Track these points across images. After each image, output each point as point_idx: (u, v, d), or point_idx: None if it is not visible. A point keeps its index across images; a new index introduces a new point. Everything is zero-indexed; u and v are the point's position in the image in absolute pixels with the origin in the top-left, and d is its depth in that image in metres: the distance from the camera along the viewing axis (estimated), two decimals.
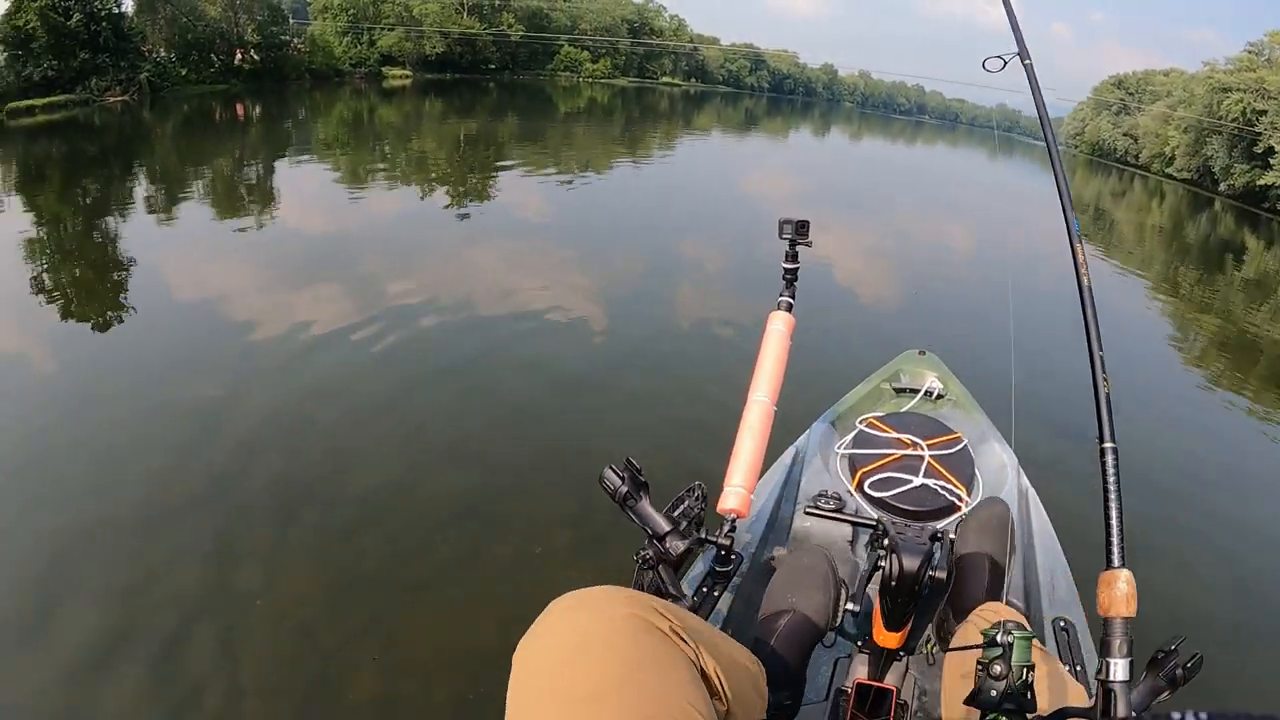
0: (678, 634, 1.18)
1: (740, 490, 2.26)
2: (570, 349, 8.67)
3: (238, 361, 7.90)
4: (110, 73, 42.88)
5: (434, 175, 21.55)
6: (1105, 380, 1.70)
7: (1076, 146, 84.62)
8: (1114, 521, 1.51)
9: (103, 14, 43.07)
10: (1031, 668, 1.45)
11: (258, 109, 41.95)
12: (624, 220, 16.37)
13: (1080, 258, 1.97)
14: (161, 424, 6.54)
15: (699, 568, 2.38)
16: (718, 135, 42.11)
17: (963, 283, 14.08)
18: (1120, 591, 1.38)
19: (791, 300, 2.77)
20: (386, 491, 5.64)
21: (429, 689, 3.93)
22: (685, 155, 30.62)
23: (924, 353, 4.31)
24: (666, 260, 12.75)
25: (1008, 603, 2.32)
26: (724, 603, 2.27)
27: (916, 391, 3.95)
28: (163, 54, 49.82)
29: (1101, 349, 1.76)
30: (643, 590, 1.79)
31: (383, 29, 68.07)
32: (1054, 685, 1.69)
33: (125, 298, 10.71)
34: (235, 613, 4.38)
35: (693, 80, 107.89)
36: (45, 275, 12.07)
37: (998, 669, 1.43)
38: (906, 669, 2.32)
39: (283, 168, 22.89)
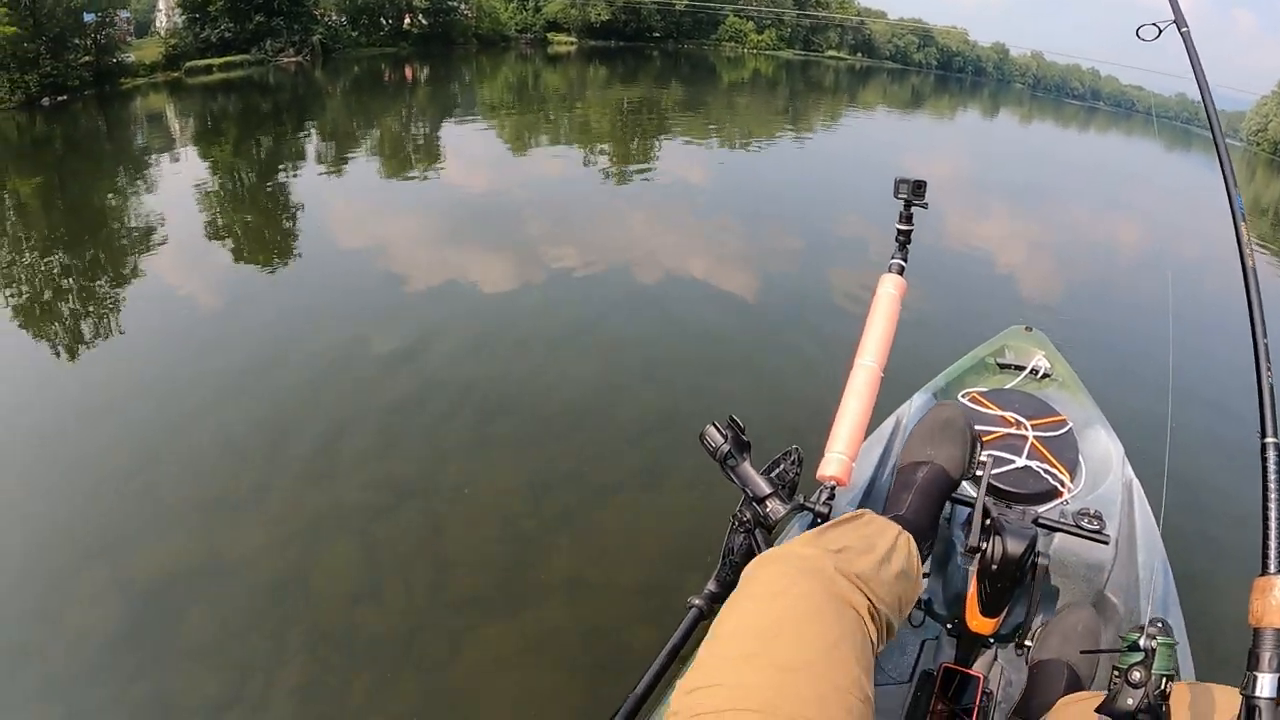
0: (856, 596, 1.29)
1: (842, 457, 2.17)
2: (710, 306, 8.97)
3: (429, 302, 8.77)
4: (284, 35, 44.99)
5: (596, 140, 21.47)
6: (1269, 370, 1.64)
7: (1258, 144, 78.36)
8: (1274, 523, 1.43)
9: None
10: (1172, 677, 1.40)
11: (425, 71, 43.18)
12: (781, 193, 16.00)
13: (1244, 237, 1.91)
14: (362, 351, 7.41)
15: (793, 534, 2.31)
16: (882, 113, 40.69)
17: (1089, 270, 13.17)
18: (1276, 600, 1.28)
19: (903, 263, 2.72)
20: (578, 406, 6.36)
21: (613, 577, 4.47)
22: (848, 132, 29.70)
23: (1030, 329, 4.23)
24: (817, 234, 12.47)
25: (1105, 598, 2.38)
26: None
27: (1021, 369, 3.84)
28: (334, 17, 51.77)
29: (1266, 336, 1.73)
30: (733, 554, 2.08)
31: None
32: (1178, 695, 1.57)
33: (326, 247, 11.43)
34: (443, 500, 5.12)
35: (859, 55, 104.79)
36: (221, 221, 12.53)
37: (1136, 676, 1.37)
38: (995, 658, 2.29)
39: (448, 128, 23.35)
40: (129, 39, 42.96)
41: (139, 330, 8.22)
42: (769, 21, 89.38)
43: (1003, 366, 3.87)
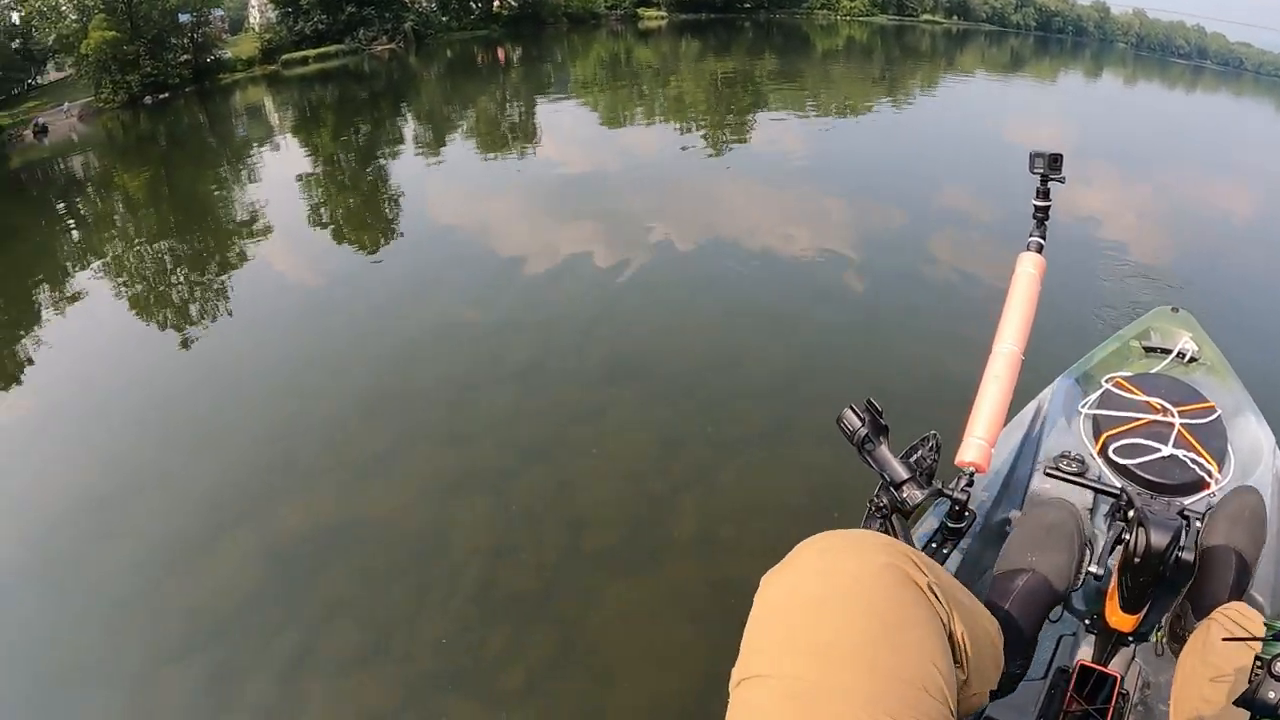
0: (933, 591, 1.13)
1: (981, 443, 2.17)
2: (821, 275, 8.89)
3: (544, 274, 8.99)
4: (376, 23, 45.95)
5: (691, 114, 21.05)
6: None
7: None
8: None
9: None
10: None
11: (518, 52, 43.41)
12: (881, 163, 15.40)
13: None
14: (483, 321, 7.80)
15: (929, 522, 2.33)
16: (981, 77, 39.41)
17: (1234, 245, 12.42)
18: None
19: (1042, 241, 2.67)
20: (699, 369, 6.53)
21: (741, 534, 4.53)
22: (947, 98, 28.73)
23: (1177, 310, 4.02)
24: (921, 204, 11.92)
25: (1249, 599, 2.13)
26: (952, 562, 2.23)
27: (1168, 352, 3.65)
28: (425, 4, 52.46)
29: None
30: None
31: None
32: None
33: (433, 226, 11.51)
34: (573, 460, 5.33)
35: (954, 18, 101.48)
36: (322, 208, 12.83)
37: None
38: (1133, 656, 2.17)
39: (543, 107, 23.23)
40: (224, 36, 44.46)
41: (265, 309, 8.79)
42: None
43: (1148, 350, 3.73)
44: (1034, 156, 2.62)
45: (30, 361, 8.22)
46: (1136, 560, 1.79)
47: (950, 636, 1.14)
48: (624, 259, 9.19)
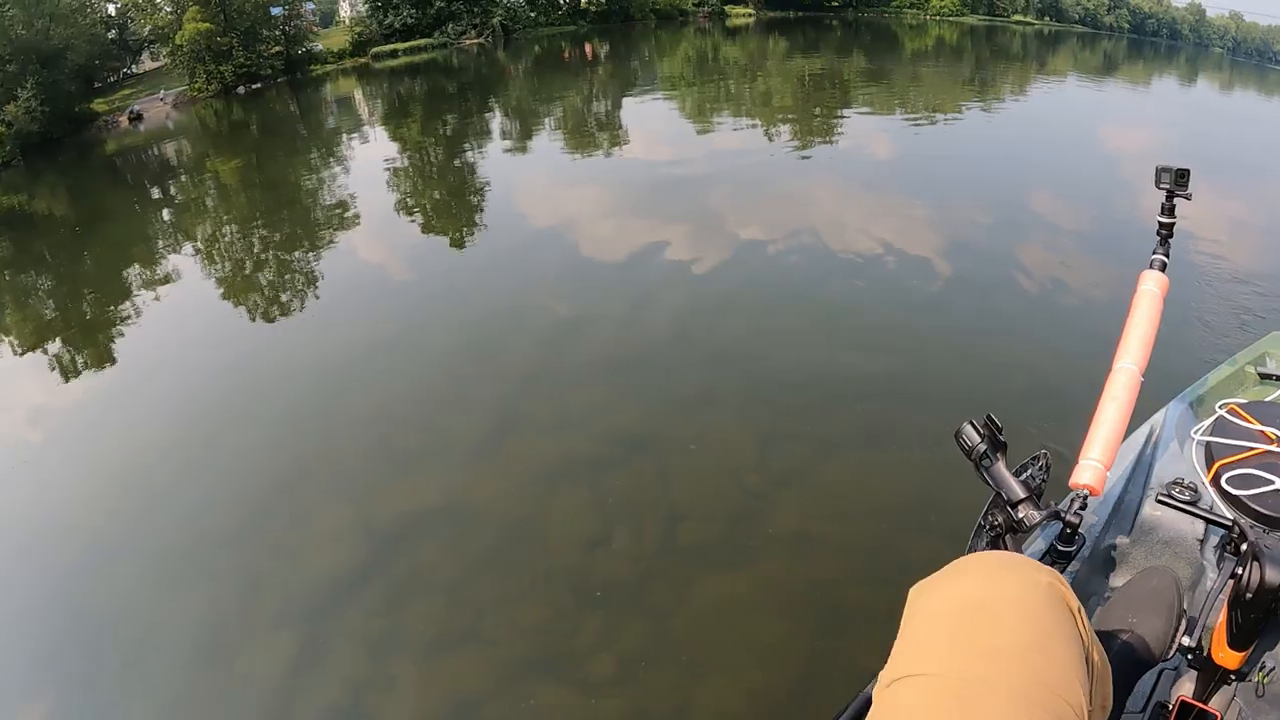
0: (1080, 615, 1.14)
1: (1097, 465, 2.06)
2: (914, 280, 8.74)
3: (637, 269, 9.04)
4: (465, 18, 46.83)
5: (778, 113, 20.82)
6: None
7: None
8: None
9: None
10: None
11: (605, 48, 43.90)
12: (973, 168, 14.88)
13: None
14: (580, 314, 7.92)
15: (1037, 544, 2.29)
16: (1073, 80, 38.60)
17: None
18: None
19: (1166, 259, 2.59)
20: (796, 369, 6.47)
21: (837, 533, 4.55)
22: (1039, 101, 28.02)
23: None
24: (1016, 211, 11.53)
25: None
26: None
27: None
28: None
29: None
30: None
31: None
32: None
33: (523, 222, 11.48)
34: (671, 454, 5.32)
35: (1046, 19, 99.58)
36: (410, 198, 12.95)
37: None
38: (1234, 695, 2.10)
39: (630, 104, 23.23)
40: (315, 29, 45.64)
41: (362, 295, 8.90)
42: None
43: (1263, 376, 3.60)
44: (1160, 171, 2.56)
45: (129, 341, 8.52)
46: (1248, 596, 1.71)
47: (1087, 660, 1.14)
48: (720, 258, 9.18)
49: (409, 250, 10.29)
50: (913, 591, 1.20)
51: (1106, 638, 1.92)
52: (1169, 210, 2.60)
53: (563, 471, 5.20)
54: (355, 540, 4.71)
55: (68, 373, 8.10)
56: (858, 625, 3.87)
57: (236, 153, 19.72)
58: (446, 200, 12.69)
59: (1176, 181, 2.53)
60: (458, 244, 10.45)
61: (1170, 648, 2.00)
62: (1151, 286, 2.46)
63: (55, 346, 8.83)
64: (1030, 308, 8.08)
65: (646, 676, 3.74)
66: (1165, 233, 2.62)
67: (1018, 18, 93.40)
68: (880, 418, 5.73)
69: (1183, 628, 2.02)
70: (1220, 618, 1.88)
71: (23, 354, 8.90)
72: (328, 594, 4.32)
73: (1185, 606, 2.10)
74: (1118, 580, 2.49)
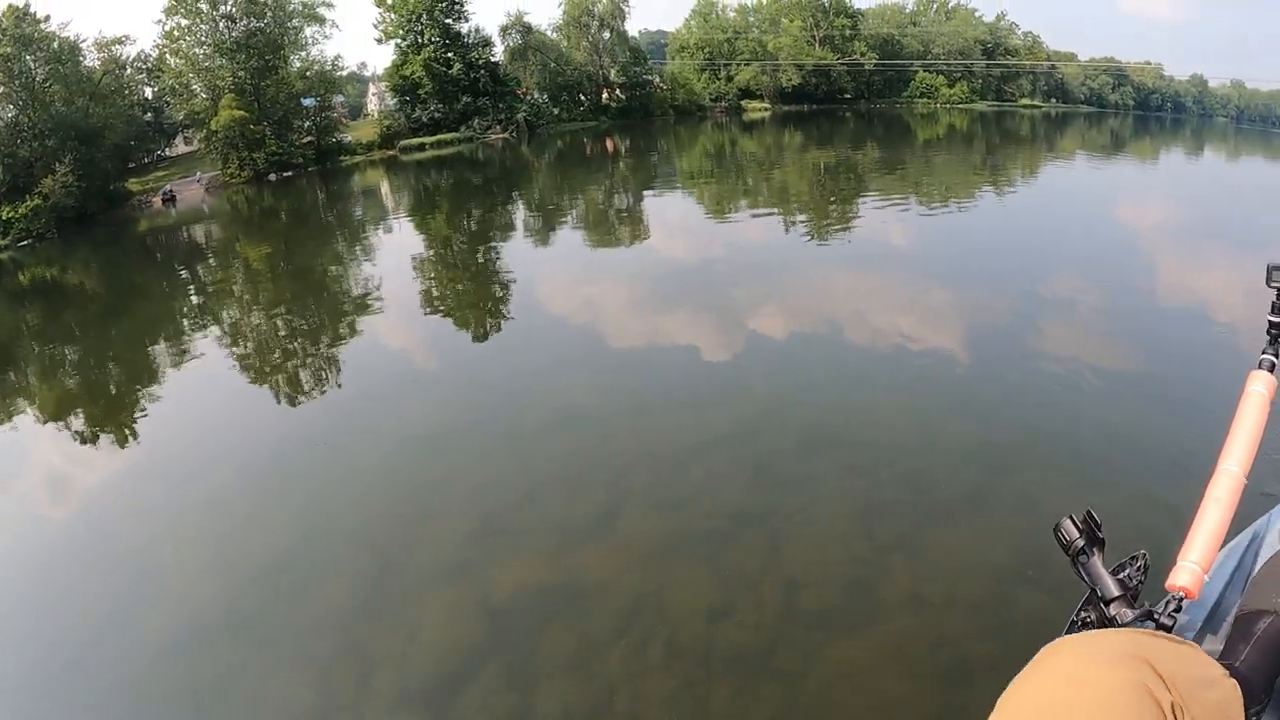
0: (1175, 713, 1.07)
1: (1195, 568, 1.92)
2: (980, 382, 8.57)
3: (710, 357, 9.07)
4: (490, 113, 48.15)
5: (795, 204, 21.13)
6: None
7: None
8: None
9: (480, 63, 48.80)
10: None
11: (626, 143, 44.82)
12: (990, 258, 14.80)
13: None
14: (672, 398, 7.94)
15: None
16: (1082, 160, 39.15)
17: None
18: None
19: (1276, 360, 2.41)
20: (895, 437, 6.66)
21: (950, 593, 4.61)
22: (1050, 183, 28.46)
23: None
24: (1040, 304, 11.43)
25: None
26: None
27: None
28: (537, 95, 54.77)
29: None
30: None
31: (738, 64, 70.73)
32: None
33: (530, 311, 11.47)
34: (781, 526, 5.40)
35: (1053, 100, 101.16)
36: (432, 288, 12.87)
37: None
38: None
39: (650, 197, 23.65)
40: (345, 121, 46.69)
41: (440, 383, 9.04)
42: (959, 74, 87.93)
43: None
44: (1272, 270, 2.38)
45: (154, 423, 8.45)
46: None
47: None
48: (792, 344, 9.42)
49: (469, 343, 10.37)
50: (1011, 685, 1.16)
51: (1250, 621, 1.84)
52: (1279, 309, 2.45)
53: (678, 546, 5.29)
54: (474, 619, 4.70)
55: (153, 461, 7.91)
56: (979, 679, 3.94)
57: (266, 238, 20.00)
58: (487, 294, 12.76)
59: None
60: (506, 342, 10.44)
61: None
62: (1260, 388, 2.32)
63: (101, 425, 8.86)
64: (1090, 388, 8.14)
65: None
66: (1277, 332, 2.45)
67: (1025, 101, 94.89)
68: (982, 483, 5.96)
69: None
70: None
71: (46, 423, 9.00)
72: (450, 673, 4.28)
73: None
74: None
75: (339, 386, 8.98)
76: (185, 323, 12.58)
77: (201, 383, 9.46)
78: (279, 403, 8.76)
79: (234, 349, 10.68)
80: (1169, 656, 1.26)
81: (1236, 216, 20.85)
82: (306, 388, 9.06)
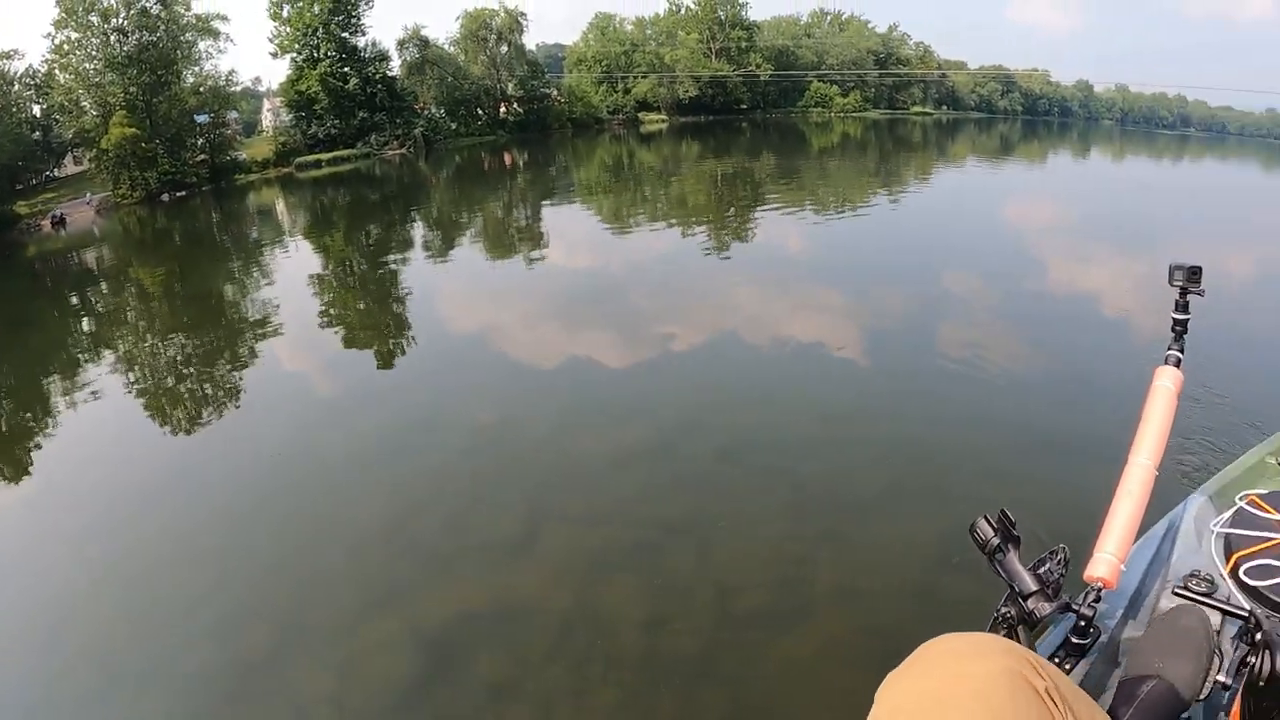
0: (1051, 696, 1.13)
1: (1111, 558, 2.11)
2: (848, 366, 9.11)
3: (634, 367, 9.31)
4: (387, 129, 47.61)
5: (693, 215, 21.57)
6: None
7: None
8: None
9: (377, 77, 48.33)
10: None
11: (524, 157, 44.66)
12: (887, 261, 15.16)
13: None
14: (590, 413, 8.10)
15: (1052, 637, 2.27)
16: (973, 164, 40.12)
17: None
18: None
19: (1180, 355, 2.63)
20: (810, 437, 7.01)
21: (882, 583, 4.82)
22: (942, 187, 29.13)
23: None
24: (940, 303, 11.76)
25: None
26: (1074, 678, 2.12)
27: None
28: (434, 111, 54.39)
29: None
30: None
31: (636, 77, 71.01)
32: None
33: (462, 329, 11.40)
34: (705, 532, 5.50)
35: (944, 108, 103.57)
36: (332, 309, 12.84)
37: None
38: None
39: (549, 211, 23.88)
40: (239, 138, 45.68)
41: (341, 402, 8.88)
42: (853, 84, 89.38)
43: None
44: (1173, 269, 2.61)
45: (43, 454, 8.19)
46: (1260, 684, 1.70)
47: None
48: (701, 354, 9.69)
49: (372, 365, 10.28)
50: (886, 680, 1.20)
51: (1132, 686, 1.91)
52: (1182, 307, 2.65)
53: (604, 559, 5.34)
54: (407, 648, 4.60)
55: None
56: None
57: (160, 261, 19.55)
58: (388, 314, 12.91)
59: (1189, 279, 2.60)
60: (399, 360, 10.52)
61: (1205, 686, 1.97)
62: (1166, 383, 2.50)
63: None
64: (1040, 402, 8.11)
65: None
66: (1180, 329, 2.66)
67: (917, 109, 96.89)
68: (891, 477, 6.16)
69: (1217, 665, 2.00)
70: (1235, 706, 1.87)
71: None
72: (390, 705, 4.21)
73: (1213, 646, 2.09)
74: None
75: (238, 408, 8.75)
76: (78, 352, 12.22)
77: (95, 415, 9.09)
78: (179, 433, 8.45)
79: (129, 376, 10.44)
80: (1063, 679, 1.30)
81: (1123, 214, 21.69)
82: (206, 416, 8.79)
